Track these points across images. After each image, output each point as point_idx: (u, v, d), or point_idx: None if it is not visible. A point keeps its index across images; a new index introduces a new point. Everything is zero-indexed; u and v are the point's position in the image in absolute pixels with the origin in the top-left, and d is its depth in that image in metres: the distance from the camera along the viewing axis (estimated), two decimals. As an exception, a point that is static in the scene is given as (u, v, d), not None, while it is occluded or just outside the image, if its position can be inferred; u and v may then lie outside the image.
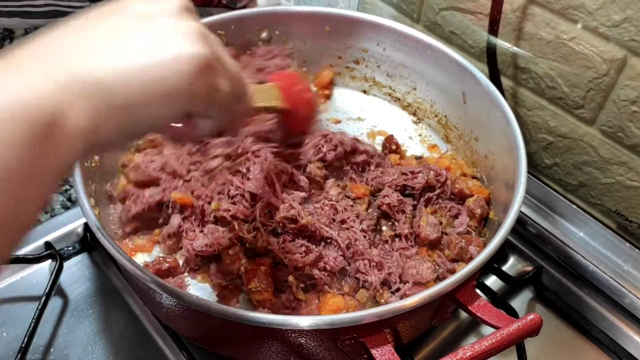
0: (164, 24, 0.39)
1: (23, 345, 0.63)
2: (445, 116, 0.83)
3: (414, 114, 0.88)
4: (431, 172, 0.73)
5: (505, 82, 0.82)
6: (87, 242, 0.76)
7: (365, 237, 0.68)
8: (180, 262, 0.68)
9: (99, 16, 0.39)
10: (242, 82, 0.47)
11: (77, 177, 0.62)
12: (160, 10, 0.40)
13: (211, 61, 0.40)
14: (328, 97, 0.91)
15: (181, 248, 0.68)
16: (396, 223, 0.70)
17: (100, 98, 0.35)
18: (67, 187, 0.82)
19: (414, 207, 0.72)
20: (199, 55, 0.39)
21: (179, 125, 0.46)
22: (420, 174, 0.72)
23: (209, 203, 0.69)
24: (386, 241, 0.69)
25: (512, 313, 0.69)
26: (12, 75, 0.32)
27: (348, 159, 0.76)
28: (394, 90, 0.89)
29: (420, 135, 0.86)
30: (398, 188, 0.72)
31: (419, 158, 0.81)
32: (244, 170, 0.70)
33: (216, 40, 0.43)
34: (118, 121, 0.37)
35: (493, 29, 0.78)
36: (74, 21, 0.38)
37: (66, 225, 0.77)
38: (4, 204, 0.30)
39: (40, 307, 0.66)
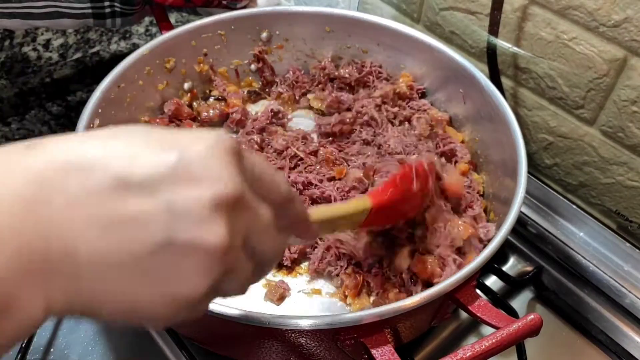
0: (183, 223, 0.29)
1: (23, 345, 0.63)
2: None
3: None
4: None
5: (506, 82, 0.82)
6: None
7: None
8: None
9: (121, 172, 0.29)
10: (247, 286, 0.37)
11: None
12: (193, 196, 0.29)
13: (209, 291, 0.31)
14: None
15: None
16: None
17: (68, 304, 0.28)
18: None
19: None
20: (194, 294, 0.30)
21: None
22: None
23: None
24: None
25: (512, 313, 0.69)
26: None
27: None
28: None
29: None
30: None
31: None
32: None
33: (258, 228, 0.33)
34: (78, 310, 0.29)
35: (493, 29, 0.78)
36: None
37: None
38: None
39: (40, 307, 0.66)
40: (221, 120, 0.85)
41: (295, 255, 0.69)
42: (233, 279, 0.33)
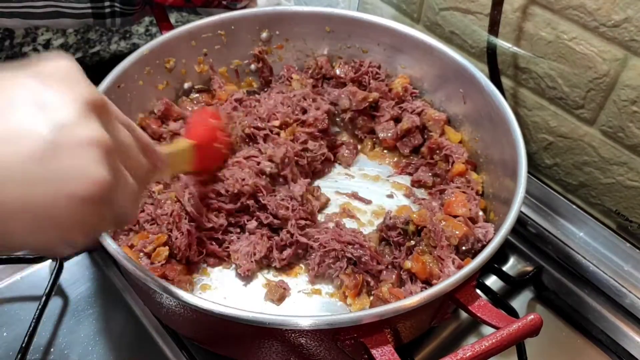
0: (66, 126, 0.32)
1: (23, 345, 0.63)
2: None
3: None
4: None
5: (506, 82, 0.82)
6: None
7: None
8: None
9: None
10: (135, 203, 0.40)
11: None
12: (63, 101, 0.33)
13: (111, 189, 0.34)
14: None
15: None
16: None
17: None
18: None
19: None
20: (101, 182, 0.33)
21: None
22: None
23: None
24: None
25: (512, 313, 0.69)
26: None
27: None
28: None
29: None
30: None
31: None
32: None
33: (124, 139, 0.38)
34: None
35: (493, 29, 0.78)
36: None
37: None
38: None
39: (40, 307, 0.66)
40: None
41: (284, 257, 0.69)
42: (122, 187, 0.36)
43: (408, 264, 0.65)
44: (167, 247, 0.66)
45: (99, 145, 0.33)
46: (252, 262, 0.68)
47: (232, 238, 0.71)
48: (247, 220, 0.71)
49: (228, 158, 0.74)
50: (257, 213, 0.71)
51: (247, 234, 0.71)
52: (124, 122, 0.40)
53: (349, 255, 0.67)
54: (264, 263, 0.70)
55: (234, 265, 0.70)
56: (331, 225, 0.72)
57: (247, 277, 0.69)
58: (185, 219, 0.68)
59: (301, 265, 0.70)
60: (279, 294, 0.66)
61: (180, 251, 0.66)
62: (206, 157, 0.67)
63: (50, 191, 0.31)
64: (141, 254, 0.66)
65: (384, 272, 0.66)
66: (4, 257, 0.71)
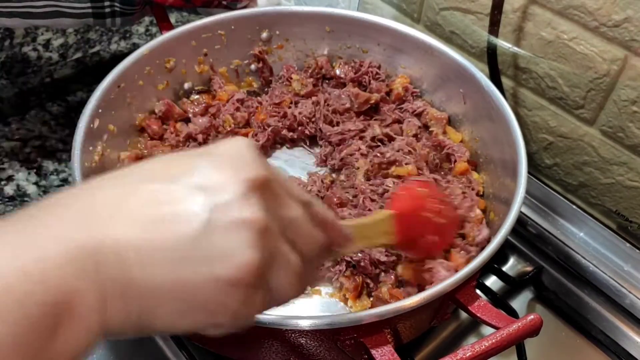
0: (223, 205, 0.31)
1: (23, 345, 0.63)
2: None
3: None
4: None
5: (506, 82, 0.82)
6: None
7: None
8: None
9: (153, 174, 0.33)
10: (299, 283, 0.37)
11: (77, 176, 0.62)
12: (226, 183, 0.32)
13: (258, 271, 0.32)
14: None
15: None
16: None
17: (123, 301, 0.30)
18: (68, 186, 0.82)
19: None
20: (250, 264, 0.31)
21: None
22: None
23: None
24: None
25: (512, 313, 0.68)
26: (28, 238, 0.28)
27: None
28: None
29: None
30: None
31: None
32: None
33: (292, 215, 0.36)
34: (135, 325, 0.31)
35: (493, 29, 0.78)
36: (129, 178, 0.33)
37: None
38: None
39: (40, 307, 0.66)
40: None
41: None
42: (280, 268, 0.34)
43: (399, 269, 0.65)
44: None
45: (252, 226, 0.32)
46: None
47: None
48: None
49: (453, 233, 0.65)
50: None
51: None
52: (299, 198, 0.37)
53: (348, 259, 0.66)
54: None
55: None
56: None
57: None
58: None
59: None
60: None
61: None
62: (412, 228, 0.56)
63: (199, 272, 0.31)
64: None
65: (382, 274, 0.66)
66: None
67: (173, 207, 0.31)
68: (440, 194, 0.64)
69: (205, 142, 0.79)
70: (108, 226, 0.29)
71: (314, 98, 0.84)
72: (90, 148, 0.68)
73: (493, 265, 0.74)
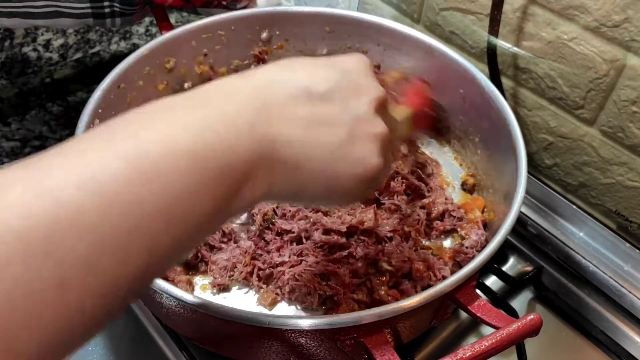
0: (361, 121, 0.42)
1: (23, 345, 0.63)
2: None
3: (414, 114, 0.88)
4: None
5: (506, 82, 0.82)
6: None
7: None
8: None
9: (297, 78, 0.42)
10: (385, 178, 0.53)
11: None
12: (359, 101, 0.42)
13: (380, 173, 0.44)
14: None
15: None
16: None
17: (287, 181, 0.40)
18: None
19: None
20: (377, 168, 0.43)
21: None
22: None
23: None
24: None
25: (512, 313, 0.68)
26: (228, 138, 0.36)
27: None
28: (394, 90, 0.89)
29: (420, 135, 0.86)
30: None
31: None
32: None
33: (393, 144, 0.48)
34: (288, 194, 0.41)
35: (493, 29, 0.78)
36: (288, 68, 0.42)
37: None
38: (180, 243, 0.33)
39: (40, 307, 0.66)
40: None
41: (249, 269, 0.66)
42: (386, 170, 0.46)
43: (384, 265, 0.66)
44: None
45: (381, 139, 0.43)
46: (226, 278, 0.66)
47: (221, 245, 0.69)
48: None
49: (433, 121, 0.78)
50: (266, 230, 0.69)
51: (233, 245, 0.68)
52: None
53: (321, 292, 0.64)
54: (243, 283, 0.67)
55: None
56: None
57: (221, 289, 0.66)
58: None
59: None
60: (270, 299, 0.65)
61: None
62: (419, 122, 0.66)
63: (347, 169, 0.42)
64: None
65: (372, 278, 0.66)
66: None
67: (325, 115, 0.41)
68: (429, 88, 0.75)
69: None
70: (274, 124, 0.38)
71: None
72: (91, 148, 0.68)
73: (493, 265, 0.74)
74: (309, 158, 0.40)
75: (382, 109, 0.44)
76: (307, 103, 0.40)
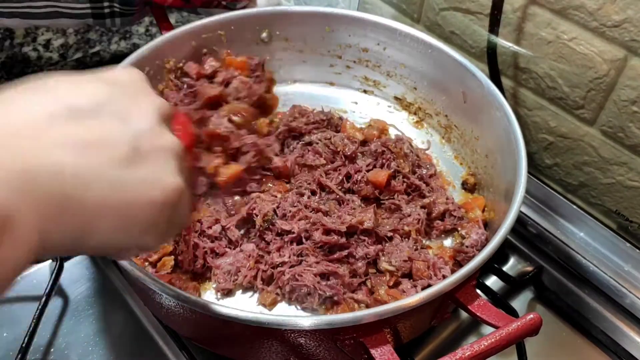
0: (145, 135, 0.35)
1: (23, 345, 0.63)
2: (446, 116, 0.83)
3: (415, 114, 0.88)
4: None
5: (506, 82, 0.82)
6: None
7: None
8: None
9: (62, 95, 0.35)
10: (189, 207, 0.42)
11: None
12: (139, 111, 0.36)
13: (182, 196, 0.37)
14: None
15: None
16: None
17: (62, 218, 0.32)
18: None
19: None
20: (174, 189, 0.36)
21: None
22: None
23: None
24: None
25: (512, 313, 0.68)
26: None
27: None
28: (394, 90, 0.89)
29: (420, 135, 0.86)
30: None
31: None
32: None
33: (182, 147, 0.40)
34: (73, 242, 0.33)
35: (493, 29, 0.78)
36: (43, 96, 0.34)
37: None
38: None
39: (40, 307, 0.66)
40: None
41: (253, 273, 0.66)
42: (187, 190, 0.39)
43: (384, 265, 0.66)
44: (172, 257, 0.66)
45: (174, 153, 0.37)
46: (231, 282, 0.66)
47: (225, 250, 0.68)
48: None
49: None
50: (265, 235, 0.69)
51: (236, 249, 0.68)
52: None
53: (321, 292, 0.64)
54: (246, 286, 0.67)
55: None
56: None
57: (224, 294, 0.66)
58: (196, 231, 0.67)
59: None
60: (270, 299, 0.65)
61: (184, 265, 0.66)
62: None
63: (133, 195, 0.34)
64: (146, 263, 0.66)
65: (372, 278, 0.66)
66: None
67: (98, 133, 0.34)
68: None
69: None
70: (40, 151, 0.31)
71: None
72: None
73: (493, 265, 0.74)
74: (86, 187, 0.32)
75: (167, 120, 0.38)
76: (72, 122, 0.33)
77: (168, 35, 0.80)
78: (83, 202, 0.32)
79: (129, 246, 0.37)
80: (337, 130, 0.81)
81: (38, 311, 0.66)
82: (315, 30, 0.87)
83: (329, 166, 0.75)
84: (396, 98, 0.90)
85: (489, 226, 0.71)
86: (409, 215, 0.70)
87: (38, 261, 0.72)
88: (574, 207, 0.79)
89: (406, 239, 0.69)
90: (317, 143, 0.77)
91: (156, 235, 0.37)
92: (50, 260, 0.73)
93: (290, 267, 0.65)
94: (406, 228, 0.69)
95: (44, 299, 0.67)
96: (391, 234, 0.69)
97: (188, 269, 0.66)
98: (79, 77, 0.36)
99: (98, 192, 0.33)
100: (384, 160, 0.75)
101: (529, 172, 0.63)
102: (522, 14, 0.75)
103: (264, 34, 0.87)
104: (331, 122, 0.82)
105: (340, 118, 0.83)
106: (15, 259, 0.30)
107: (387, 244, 0.68)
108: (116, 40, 1.07)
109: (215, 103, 0.71)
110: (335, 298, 0.63)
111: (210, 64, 0.79)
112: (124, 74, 0.39)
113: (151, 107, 0.37)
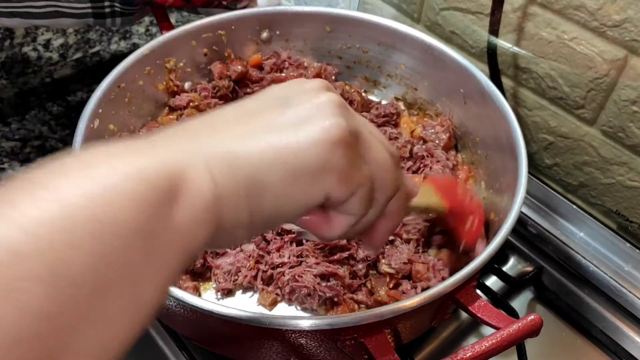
0: (300, 100, 0.36)
1: (23, 345, 0.63)
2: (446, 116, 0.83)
3: (415, 115, 0.88)
4: None
5: (506, 82, 0.82)
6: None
7: None
8: None
9: (236, 105, 0.37)
10: (390, 171, 0.39)
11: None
12: (296, 89, 0.37)
13: (349, 133, 0.35)
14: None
15: None
16: None
17: (230, 170, 0.32)
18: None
19: None
20: (337, 126, 0.35)
21: (311, 217, 0.39)
22: None
23: None
24: None
25: (513, 313, 0.68)
26: (142, 152, 0.30)
27: None
28: (394, 91, 0.89)
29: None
30: None
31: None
32: None
33: (360, 119, 0.39)
34: (247, 202, 0.33)
35: (493, 29, 0.78)
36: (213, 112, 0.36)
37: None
38: (120, 271, 0.26)
39: (40, 307, 0.66)
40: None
41: (253, 273, 0.66)
42: (367, 149, 0.38)
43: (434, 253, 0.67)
44: None
45: (330, 103, 0.36)
46: (231, 282, 0.65)
47: (225, 250, 0.67)
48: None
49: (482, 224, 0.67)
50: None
51: (237, 249, 0.68)
52: (388, 147, 0.41)
53: (321, 293, 0.63)
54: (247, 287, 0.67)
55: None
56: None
57: (225, 294, 0.66)
58: None
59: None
60: (270, 299, 0.65)
61: None
62: (454, 198, 0.62)
63: (297, 136, 0.34)
64: None
65: (372, 279, 0.66)
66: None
67: (291, 120, 0.35)
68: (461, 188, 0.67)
69: None
70: (228, 133, 0.34)
71: None
72: (91, 148, 0.68)
73: (493, 265, 0.74)
74: (248, 137, 0.34)
75: (327, 90, 0.38)
76: (256, 113, 0.36)
77: (168, 35, 0.80)
78: (246, 153, 0.33)
79: (313, 195, 0.35)
80: None
81: (38, 311, 0.66)
82: (315, 30, 0.87)
83: None
84: (396, 99, 0.90)
85: (490, 227, 0.71)
86: (408, 224, 0.70)
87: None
88: (574, 207, 0.79)
89: (407, 243, 0.69)
90: None
91: (339, 179, 0.35)
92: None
93: (290, 267, 0.65)
94: (405, 236, 0.69)
95: (44, 299, 0.67)
96: (392, 237, 0.68)
97: (188, 268, 0.66)
98: (262, 103, 0.38)
99: (257, 141, 0.33)
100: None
101: (529, 172, 0.63)
102: (522, 14, 0.75)
103: (264, 34, 0.87)
104: None
105: None
106: (192, 218, 0.30)
107: (387, 247, 0.68)
108: (116, 40, 1.07)
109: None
110: (336, 299, 0.63)
111: (234, 69, 0.81)
112: (318, 100, 0.38)
113: (320, 84, 0.38)
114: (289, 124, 0.35)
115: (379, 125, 0.81)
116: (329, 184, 0.35)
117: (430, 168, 0.75)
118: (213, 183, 0.31)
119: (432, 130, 0.80)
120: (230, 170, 0.32)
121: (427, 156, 0.77)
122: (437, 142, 0.79)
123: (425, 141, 0.80)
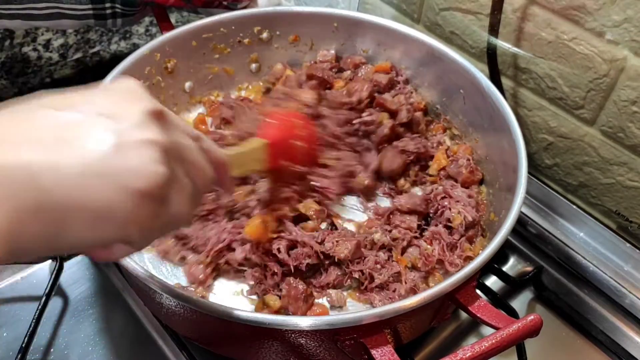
0: (125, 128, 0.34)
1: (23, 345, 0.63)
2: (446, 117, 0.83)
3: (415, 114, 0.88)
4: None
5: (506, 82, 0.82)
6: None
7: None
8: None
9: (52, 103, 0.34)
10: (204, 171, 0.41)
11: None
12: (126, 111, 0.35)
13: (168, 187, 0.36)
14: None
15: None
16: None
17: (29, 197, 0.30)
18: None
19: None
20: (158, 178, 0.34)
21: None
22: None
23: None
24: None
25: (512, 313, 0.69)
26: None
27: None
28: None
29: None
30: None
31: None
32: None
33: (185, 144, 0.39)
34: (42, 231, 0.32)
35: (493, 29, 0.78)
36: (26, 105, 0.34)
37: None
38: None
39: (40, 307, 0.66)
40: None
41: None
42: (179, 190, 0.37)
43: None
44: None
45: (156, 144, 0.35)
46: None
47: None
48: None
49: (318, 155, 0.70)
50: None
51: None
52: (189, 133, 0.41)
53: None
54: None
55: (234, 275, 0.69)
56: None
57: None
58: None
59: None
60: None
61: None
62: (284, 155, 0.63)
63: (109, 185, 0.33)
64: None
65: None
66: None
67: (76, 131, 0.33)
68: (307, 123, 0.69)
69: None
70: (9, 150, 0.31)
71: None
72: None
73: (493, 265, 0.74)
74: (61, 181, 0.31)
75: (160, 120, 0.37)
76: (49, 116, 0.33)
77: (168, 35, 0.80)
78: (57, 197, 0.31)
79: (109, 241, 0.35)
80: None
81: (38, 311, 0.66)
82: (315, 30, 0.87)
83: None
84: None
85: (490, 227, 0.71)
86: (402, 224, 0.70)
87: (32, 262, 0.72)
88: (574, 207, 0.79)
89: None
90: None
91: (140, 230, 0.35)
92: (50, 260, 0.73)
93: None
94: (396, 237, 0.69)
95: (44, 299, 0.67)
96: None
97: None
98: (76, 90, 0.36)
99: (72, 186, 0.32)
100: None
101: (529, 172, 0.63)
102: (522, 14, 0.75)
103: (265, 34, 0.87)
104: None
105: None
106: None
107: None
108: (116, 40, 1.07)
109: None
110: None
111: (305, 96, 0.78)
112: (117, 83, 0.39)
113: (137, 107, 0.36)
114: (112, 171, 0.33)
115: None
116: (130, 231, 0.35)
117: (450, 209, 0.71)
118: (15, 226, 0.30)
119: (455, 165, 0.76)
120: (37, 215, 0.31)
121: (445, 197, 0.73)
122: (458, 178, 0.75)
123: (449, 177, 0.77)
